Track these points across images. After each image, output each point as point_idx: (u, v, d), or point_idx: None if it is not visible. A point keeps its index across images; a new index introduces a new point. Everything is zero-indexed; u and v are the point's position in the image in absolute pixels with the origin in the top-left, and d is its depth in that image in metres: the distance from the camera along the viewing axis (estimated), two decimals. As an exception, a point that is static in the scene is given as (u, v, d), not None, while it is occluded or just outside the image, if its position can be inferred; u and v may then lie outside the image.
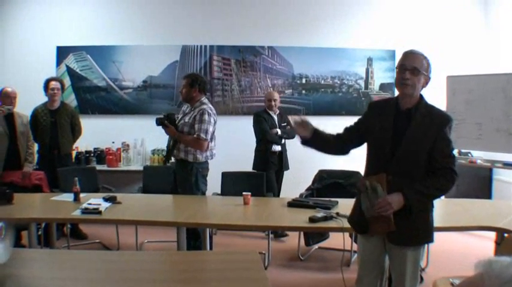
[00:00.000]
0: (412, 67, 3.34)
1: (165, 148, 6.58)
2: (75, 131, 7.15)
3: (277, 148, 7.32)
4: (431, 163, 3.36)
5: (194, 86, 5.87)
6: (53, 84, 6.89)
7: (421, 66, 3.37)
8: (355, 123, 3.75)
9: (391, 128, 3.44)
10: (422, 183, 3.32)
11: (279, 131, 7.25)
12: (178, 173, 5.95)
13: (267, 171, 7.04)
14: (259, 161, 7.37)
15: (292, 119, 3.68)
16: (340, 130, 3.77)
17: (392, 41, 8.51)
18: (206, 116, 5.72)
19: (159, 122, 5.84)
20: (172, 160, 6.17)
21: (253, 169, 7.29)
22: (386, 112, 3.52)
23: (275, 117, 7.39)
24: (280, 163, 7.39)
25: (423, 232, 3.45)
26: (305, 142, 3.68)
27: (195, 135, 5.70)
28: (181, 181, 5.90)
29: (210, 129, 5.76)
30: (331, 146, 3.77)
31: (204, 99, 5.95)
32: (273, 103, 7.34)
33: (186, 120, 5.84)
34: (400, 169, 3.37)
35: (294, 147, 7.47)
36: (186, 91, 5.92)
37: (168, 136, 5.99)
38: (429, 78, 3.46)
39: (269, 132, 7.24)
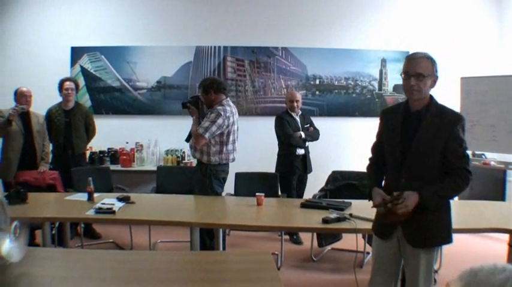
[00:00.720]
0: (416, 73, 3.32)
1: (179, 149, 6.64)
2: (89, 131, 7.18)
3: (301, 151, 7.18)
4: (444, 163, 3.36)
5: (208, 91, 5.84)
6: (67, 84, 6.92)
7: (425, 69, 3.34)
8: (376, 138, 3.78)
9: (399, 131, 3.46)
10: (439, 184, 3.33)
11: (303, 134, 7.11)
12: (195, 173, 5.98)
13: (291, 175, 7.03)
14: (282, 165, 7.22)
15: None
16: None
17: (406, 42, 8.47)
18: (214, 115, 5.68)
19: (183, 106, 5.92)
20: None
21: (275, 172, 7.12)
22: (396, 115, 3.53)
23: (298, 119, 7.26)
24: (304, 166, 7.24)
25: (439, 233, 3.44)
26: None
27: (198, 132, 5.66)
28: (196, 181, 5.93)
29: (213, 128, 5.67)
30: (381, 172, 3.72)
31: (225, 101, 5.91)
32: (295, 104, 7.18)
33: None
34: (412, 171, 3.39)
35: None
36: (205, 99, 5.90)
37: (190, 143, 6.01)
38: (436, 77, 3.42)
39: (293, 136, 7.10)
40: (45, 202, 5.44)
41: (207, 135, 5.65)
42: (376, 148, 3.77)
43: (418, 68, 3.33)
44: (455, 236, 4.73)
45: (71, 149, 6.92)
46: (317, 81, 8.64)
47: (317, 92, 8.63)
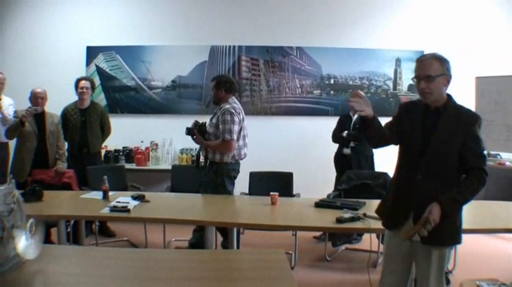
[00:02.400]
0: (425, 76, 3.32)
1: (194, 149, 6.69)
2: (105, 130, 7.22)
3: (347, 150, 7.12)
4: (462, 162, 3.35)
5: (220, 88, 5.96)
6: (83, 83, 6.97)
7: (435, 71, 3.32)
8: (393, 119, 3.72)
9: (420, 127, 3.45)
10: (456, 190, 3.32)
11: (345, 134, 7.03)
12: (207, 173, 6.00)
13: (337, 174, 7.10)
14: (335, 163, 7.33)
15: (355, 92, 3.45)
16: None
17: (421, 42, 8.44)
18: (228, 116, 5.76)
19: (188, 132, 5.97)
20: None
21: None
22: (416, 111, 3.52)
23: (353, 120, 7.01)
24: (349, 165, 7.03)
25: (449, 233, 3.41)
26: (365, 124, 3.48)
27: (220, 139, 5.77)
28: (207, 181, 5.96)
29: (235, 128, 5.78)
30: (383, 134, 3.59)
31: (231, 99, 5.99)
32: None
33: (213, 121, 5.93)
34: (429, 168, 3.38)
35: (318, 148, 7.49)
36: (213, 93, 6.03)
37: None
38: (449, 76, 3.40)
39: (335, 134, 7.19)
40: (61, 200, 5.48)
41: (234, 136, 5.78)
42: (389, 126, 3.67)
43: (427, 70, 3.32)
44: (470, 237, 4.72)
45: (87, 147, 6.97)
46: (332, 81, 8.62)
47: (332, 92, 8.62)
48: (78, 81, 7.03)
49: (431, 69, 3.32)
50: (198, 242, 6.04)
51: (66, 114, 6.98)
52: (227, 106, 5.85)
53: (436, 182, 3.36)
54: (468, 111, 3.49)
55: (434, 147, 3.36)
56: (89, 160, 6.88)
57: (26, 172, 6.35)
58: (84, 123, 6.96)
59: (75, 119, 6.93)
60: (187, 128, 5.97)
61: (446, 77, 3.37)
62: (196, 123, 5.98)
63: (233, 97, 6.05)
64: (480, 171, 3.33)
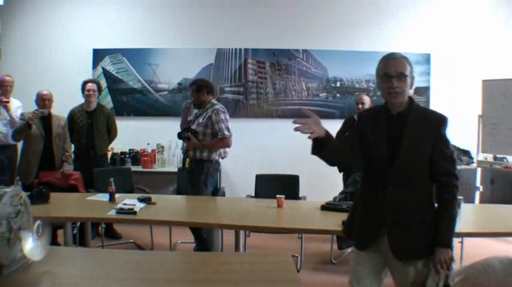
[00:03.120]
0: (397, 73, 3.13)
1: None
2: (111, 133, 7.24)
3: None
4: (433, 167, 3.17)
5: (201, 90, 6.14)
6: (90, 86, 6.99)
7: (405, 69, 3.16)
8: (351, 134, 3.53)
9: (386, 135, 3.23)
10: (440, 223, 3.12)
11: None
12: (190, 171, 6.12)
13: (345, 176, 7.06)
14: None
15: (302, 110, 3.33)
16: None
17: (427, 45, 8.45)
18: (222, 115, 6.02)
19: (182, 136, 6.09)
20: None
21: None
22: (378, 119, 3.30)
23: None
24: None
25: (426, 246, 3.15)
26: (318, 145, 3.28)
27: (219, 137, 5.96)
28: (191, 178, 6.07)
29: (229, 124, 6.06)
30: (340, 151, 3.41)
31: (214, 101, 6.22)
32: (361, 107, 7.03)
33: (200, 121, 6.07)
34: (401, 177, 3.17)
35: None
36: (195, 97, 6.18)
37: (182, 144, 6.34)
38: (413, 78, 3.24)
39: (338, 136, 7.07)
40: (67, 202, 5.48)
41: (231, 132, 6.04)
42: (348, 137, 3.57)
43: (399, 68, 3.15)
44: (476, 240, 4.71)
45: (93, 150, 6.98)
46: (338, 84, 8.62)
47: (338, 95, 8.61)
48: (84, 83, 7.05)
49: (403, 67, 3.16)
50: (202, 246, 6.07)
51: (72, 116, 7.00)
52: (217, 106, 6.11)
53: (409, 192, 3.18)
54: (434, 113, 3.35)
55: (404, 155, 3.15)
56: (95, 162, 6.89)
57: (32, 174, 6.37)
58: (91, 126, 6.98)
59: (82, 121, 6.96)
60: (180, 134, 6.10)
61: (412, 78, 3.22)
62: (187, 128, 6.08)
63: (215, 99, 6.30)
64: (450, 184, 3.16)
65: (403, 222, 3.15)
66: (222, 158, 6.31)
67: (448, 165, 3.18)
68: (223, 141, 6.02)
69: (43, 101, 6.53)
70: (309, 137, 3.22)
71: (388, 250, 3.18)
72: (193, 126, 6.06)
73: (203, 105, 6.13)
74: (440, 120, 3.21)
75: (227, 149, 6.28)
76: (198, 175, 6.01)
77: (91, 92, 6.98)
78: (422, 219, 3.17)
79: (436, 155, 3.15)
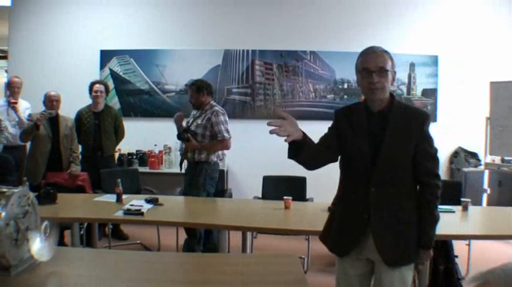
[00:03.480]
0: (377, 68, 2.94)
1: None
2: (118, 134, 7.26)
3: None
4: (415, 166, 3.01)
5: (201, 91, 6.13)
6: (97, 87, 7.01)
7: (386, 63, 2.96)
8: (329, 131, 3.30)
9: (366, 133, 3.05)
10: (423, 221, 3.02)
11: None
12: (188, 173, 6.14)
13: None
14: None
15: (277, 111, 3.14)
16: None
17: (435, 46, 8.43)
18: (222, 117, 6.03)
19: (182, 137, 6.07)
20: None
21: None
22: (357, 117, 3.11)
23: None
24: None
25: (413, 250, 3.04)
26: (294, 149, 3.10)
27: (218, 138, 5.99)
28: (189, 180, 6.09)
29: (228, 126, 6.07)
30: (318, 154, 3.20)
31: (213, 102, 6.24)
32: None
33: (199, 122, 6.08)
34: (383, 178, 2.99)
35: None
36: (195, 98, 6.16)
37: (180, 146, 6.33)
38: (395, 72, 3.05)
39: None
40: (74, 202, 5.49)
41: (230, 134, 6.06)
42: (325, 138, 3.28)
43: (380, 62, 2.95)
44: (483, 243, 4.68)
45: (100, 150, 7.01)
46: (345, 85, 8.61)
47: (345, 96, 8.60)
48: (92, 84, 7.07)
49: (384, 61, 2.96)
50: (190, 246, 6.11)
51: (80, 117, 7.03)
52: (217, 108, 6.12)
53: (392, 191, 3.01)
54: (416, 109, 3.24)
55: (387, 154, 2.97)
56: (102, 163, 6.92)
57: (40, 174, 6.38)
58: (98, 127, 7.00)
59: (89, 122, 6.98)
60: (180, 135, 6.08)
61: (393, 73, 3.04)
62: (187, 129, 6.07)
63: (213, 101, 6.32)
64: (433, 185, 3.02)
65: (388, 221, 2.99)
66: (220, 160, 6.34)
67: (430, 165, 3.05)
68: (222, 143, 6.04)
69: (51, 102, 6.54)
70: (285, 141, 3.04)
71: (374, 251, 3.00)
72: (192, 128, 6.06)
73: (202, 106, 6.14)
74: (423, 117, 3.05)
75: (225, 151, 6.39)
76: (197, 177, 6.02)
77: (98, 93, 7.00)
78: (408, 219, 3.02)
79: (419, 155, 3.00)
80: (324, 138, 3.28)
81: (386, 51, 3.03)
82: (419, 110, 3.22)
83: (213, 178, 6.13)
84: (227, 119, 6.12)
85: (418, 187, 3.10)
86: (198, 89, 6.12)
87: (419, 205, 3.05)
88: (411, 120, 3.02)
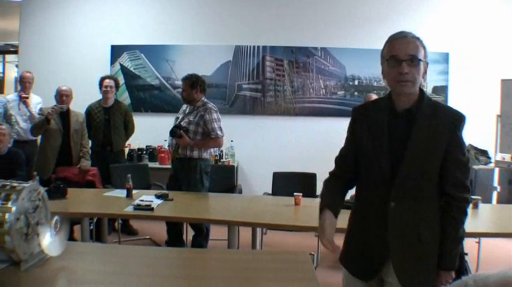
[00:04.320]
0: (408, 56, 2.53)
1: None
2: (128, 129, 7.27)
3: None
4: (443, 176, 2.60)
5: (195, 87, 6.09)
6: (107, 82, 7.02)
7: (418, 52, 2.56)
8: (346, 144, 2.87)
9: (386, 138, 2.61)
10: (447, 240, 2.61)
11: None
12: (181, 171, 6.07)
13: None
14: None
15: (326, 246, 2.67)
16: None
17: (445, 44, 8.38)
18: (215, 114, 5.99)
19: (175, 133, 5.97)
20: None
21: None
22: (378, 117, 2.68)
23: None
24: None
25: (435, 273, 2.66)
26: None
27: (212, 136, 5.95)
28: (185, 178, 6.04)
29: (221, 124, 6.02)
30: (344, 197, 2.91)
31: (205, 99, 6.18)
32: None
33: (191, 119, 6.02)
34: (406, 191, 2.57)
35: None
36: (187, 93, 6.11)
37: (170, 141, 6.25)
38: (427, 64, 2.63)
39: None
40: (84, 197, 5.51)
41: (224, 132, 6.03)
42: (343, 160, 2.88)
43: (411, 50, 2.55)
44: (492, 241, 4.63)
45: (110, 146, 7.02)
46: (356, 82, 8.59)
47: (356, 93, 8.58)
48: (102, 79, 7.08)
49: (416, 49, 2.57)
50: (172, 239, 6.14)
51: (90, 112, 7.05)
52: (210, 105, 6.08)
53: (416, 207, 2.60)
54: (450, 109, 2.71)
55: (411, 163, 2.55)
56: (112, 158, 6.94)
57: (50, 169, 6.41)
58: (108, 122, 7.02)
59: (99, 117, 6.99)
60: (173, 131, 5.99)
61: (426, 65, 2.62)
62: (180, 126, 6.00)
63: (205, 97, 6.25)
64: (461, 199, 2.62)
65: (410, 241, 2.60)
66: (210, 157, 6.31)
67: (461, 175, 2.61)
68: (215, 141, 6.03)
69: (61, 96, 6.57)
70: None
71: (391, 273, 2.63)
72: (184, 124, 6.02)
73: (194, 102, 6.10)
74: (458, 120, 2.60)
75: (216, 149, 6.42)
76: (194, 174, 6.00)
77: (108, 89, 7.01)
78: (432, 239, 2.62)
79: (449, 163, 2.57)
80: (342, 161, 2.89)
81: (418, 38, 2.65)
82: (454, 110, 2.70)
83: (207, 173, 6.13)
84: (220, 116, 6.08)
85: (443, 200, 2.67)
86: (192, 84, 6.07)
87: (444, 221, 2.63)
88: (442, 121, 2.57)
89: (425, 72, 2.60)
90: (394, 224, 2.59)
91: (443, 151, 2.55)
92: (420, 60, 2.53)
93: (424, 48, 2.61)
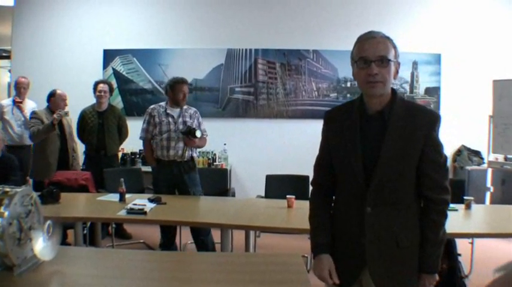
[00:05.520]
0: (378, 57, 2.45)
1: (210, 151, 6.82)
2: (122, 133, 7.29)
3: None
4: (420, 178, 2.55)
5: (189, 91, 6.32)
6: (101, 86, 7.03)
7: (388, 52, 2.48)
8: (321, 150, 2.80)
9: (359, 140, 2.55)
10: (427, 243, 2.56)
11: None
12: (182, 173, 6.05)
13: None
14: None
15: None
16: None
17: (437, 45, 8.43)
18: (200, 117, 6.22)
19: (191, 134, 5.93)
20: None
21: None
22: (349, 121, 2.62)
23: None
24: None
25: (415, 277, 2.61)
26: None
27: (204, 136, 6.13)
28: (190, 179, 6.07)
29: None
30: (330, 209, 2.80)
31: None
32: None
33: (186, 120, 6.09)
34: (381, 195, 2.52)
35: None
36: (184, 96, 6.12)
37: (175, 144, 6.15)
38: (398, 64, 2.57)
39: None
40: (77, 202, 5.52)
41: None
42: (320, 167, 2.81)
43: (381, 50, 2.47)
44: (487, 241, 4.65)
45: (104, 150, 7.03)
46: (348, 84, 8.61)
47: (348, 95, 8.60)
48: (96, 84, 7.09)
49: (386, 49, 2.49)
50: (166, 242, 6.11)
51: (84, 116, 7.06)
52: (194, 108, 6.29)
53: (393, 212, 2.54)
54: (424, 109, 2.65)
55: (385, 165, 2.49)
56: (106, 163, 6.94)
57: (53, 171, 6.45)
58: (102, 126, 7.03)
59: (93, 121, 7.00)
60: (188, 131, 5.94)
61: (397, 65, 2.57)
62: (189, 127, 5.98)
63: None
64: (441, 201, 2.57)
65: (386, 245, 2.56)
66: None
67: (439, 176, 2.56)
68: (205, 141, 6.21)
69: (63, 101, 6.69)
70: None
71: (368, 280, 2.60)
72: (180, 126, 6.00)
73: (182, 105, 6.12)
74: (433, 120, 2.54)
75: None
76: (194, 174, 6.12)
77: (102, 93, 7.02)
78: (410, 243, 2.57)
79: (425, 164, 2.52)
80: (321, 167, 2.81)
81: (388, 38, 2.55)
82: (427, 109, 2.68)
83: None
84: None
85: (422, 203, 2.63)
86: (189, 89, 6.24)
87: (423, 224, 2.58)
88: (416, 122, 2.50)
89: (397, 72, 2.56)
90: (371, 229, 2.54)
91: (418, 152, 2.50)
92: (390, 60, 2.47)
93: (395, 48, 2.55)
